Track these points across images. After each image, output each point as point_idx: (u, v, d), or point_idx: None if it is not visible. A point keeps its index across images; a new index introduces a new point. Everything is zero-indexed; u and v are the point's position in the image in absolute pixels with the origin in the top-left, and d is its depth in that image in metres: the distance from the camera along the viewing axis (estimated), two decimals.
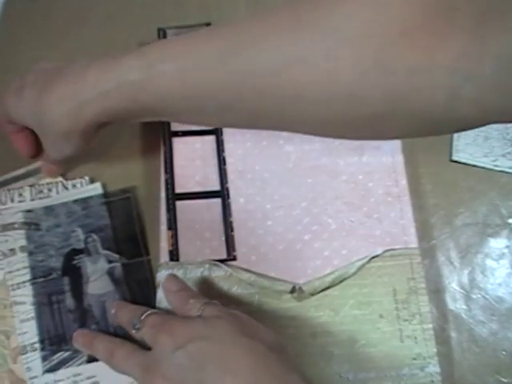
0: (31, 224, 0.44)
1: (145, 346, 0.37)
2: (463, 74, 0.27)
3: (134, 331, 0.38)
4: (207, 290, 0.43)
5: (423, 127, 0.32)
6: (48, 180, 0.47)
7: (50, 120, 0.39)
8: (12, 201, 0.45)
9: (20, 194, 0.46)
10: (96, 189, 0.46)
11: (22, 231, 0.44)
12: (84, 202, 0.46)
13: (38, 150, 0.47)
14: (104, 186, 0.47)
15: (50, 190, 0.46)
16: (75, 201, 0.46)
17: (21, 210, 0.45)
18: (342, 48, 0.29)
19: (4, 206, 0.45)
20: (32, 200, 0.46)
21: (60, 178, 0.47)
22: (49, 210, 0.45)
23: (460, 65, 0.27)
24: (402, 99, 0.29)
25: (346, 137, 0.37)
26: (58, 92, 0.38)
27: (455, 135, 0.50)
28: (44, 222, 0.45)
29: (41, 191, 0.46)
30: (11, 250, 0.44)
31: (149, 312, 0.38)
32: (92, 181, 0.47)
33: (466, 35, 0.27)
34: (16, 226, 0.44)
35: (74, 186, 0.46)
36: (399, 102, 0.30)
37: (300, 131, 0.36)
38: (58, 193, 0.46)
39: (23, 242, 0.44)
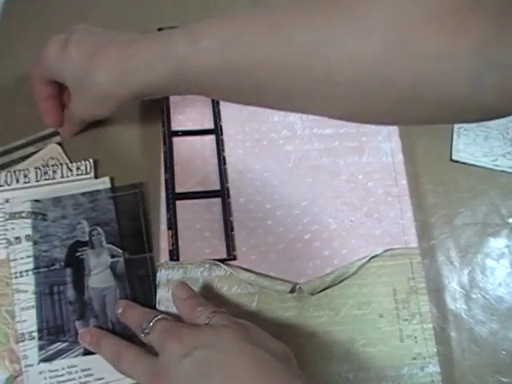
0: (38, 214, 0.45)
1: (149, 348, 0.38)
2: (487, 60, 0.28)
3: (142, 335, 0.38)
4: (207, 289, 0.43)
5: (447, 113, 0.32)
6: (51, 159, 0.48)
7: (95, 82, 0.40)
8: (17, 182, 0.46)
9: (25, 176, 0.46)
10: (104, 183, 0.47)
11: (29, 220, 0.44)
12: (92, 195, 0.46)
13: (62, 118, 0.48)
14: (112, 181, 0.47)
15: (54, 171, 0.47)
16: (83, 193, 0.46)
17: (29, 200, 0.45)
18: (371, 34, 0.31)
19: (10, 187, 0.46)
20: (37, 181, 0.46)
21: (65, 159, 0.48)
22: (57, 200, 0.45)
23: (484, 51, 0.28)
24: (426, 83, 0.30)
25: (371, 121, 0.38)
26: (107, 56, 0.40)
27: (455, 135, 0.50)
28: (51, 212, 0.45)
29: (46, 173, 0.46)
30: (17, 238, 0.44)
31: (159, 317, 0.38)
32: (96, 164, 0.48)
33: (491, 22, 0.28)
34: (23, 214, 0.45)
35: (78, 168, 0.47)
36: (424, 86, 0.30)
37: (327, 114, 0.37)
38: (62, 176, 0.47)
39: (29, 231, 0.44)
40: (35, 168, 0.47)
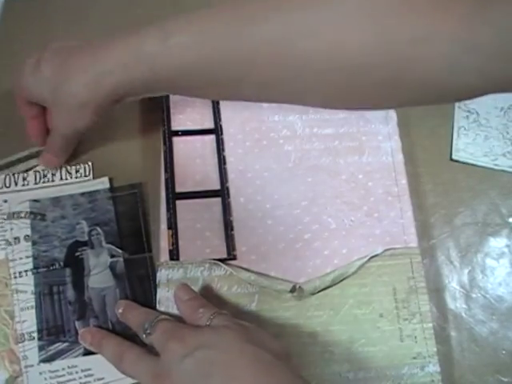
0: (37, 214, 0.45)
1: (150, 349, 0.38)
2: (463, 42, 0.28)
3: (144, 335, 0.38)
4: (207, 289, 0.43)
5: (427, 95, 0.33)
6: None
7: (68, 90, 0.40)
8: (16, 184, 0.46)
9: (24, 178, 0.46)
10: (103, 183, 0.47)
11: (28, 221, 0.44)
12: (91, 195, 0.46)
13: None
14: (111, 181, 0.47)
15: (53, 174, 0.47)
16: (82, 194, 0.46)
17: (28, 199, 0.45)
18: (347, 20, 0.31)
19: (8, 189, 0.46)
20: (36, 184, 0.46)
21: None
22: (55, 201, 0.45)
23: (460, 34, 0.28)
24: (404, 67, 0.30)
25: (352, 107, 0.38)
26: (77, 63, 0.39)
27: (455, 134, 0.50)
28: (50, 212, 0.45)
29: (45, 175, 0.46)
30: (16, 238, 0.44)
31: (160, 318, 0.38)
32: (95, 165, 0.47)
33: (467, 4, 0.28)
34: (22, 215, 0.45)
35: (77, 171, 0.47)
36: (402, 70, 0.31)
37: (308, 103, 0.38)
38: (61, 178, 0.47)
39: (28, 232, 0.44)
40: (34, 171, 0.47)
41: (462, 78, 0.30)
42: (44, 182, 0.46)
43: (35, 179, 0.46)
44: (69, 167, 0.47)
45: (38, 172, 0.47)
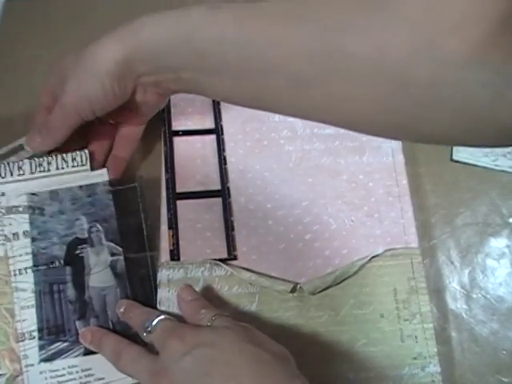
0: (35, 208, 0.44)
1: (150, 348, 0.38)
2: (510, 75, 0.27)
3: (144, 334, 0.38)
4: (208, 289, 0.43)
5: (465, 124, 0.31)
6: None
7: (94, 47, 0.38)
8: (11, 174, 0.45)
9: (19, 168, 0.45)
10: (102, 175, 0.45)
11: (26, 215, 0.44)
12: (89, 188, 0.45)
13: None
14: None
15: (49, 163, 0.45)
16: (80, 187, 0.45)
17: (25, 193, 0.44)
18: (399, 24, 0.29)
19: (4, 180, 0.44)
20: (32, 173, 0.45)
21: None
22: (53, 194, 0.44)
23: (508, 66, 0.27)
24: (447, 89, 0.29)
25: (381, 131, 0.35)
26: (111, 32, 0.38)
27: None
28: (48, 206, 0.44)
29: (40, 164, 0.45)
30: (14, 234, 0.43)
31: (162, 317, 0.38)
32: (91, 156, 0.46)
33: None
34: (20, 209, 0.44)
35: (73, 159, 0.45)
36: (444, 92, 0.29)
37: (337, 119, 0.35)
38: (57, 168, 0.45)
39: (27, 227, 0.43)
40: (29, 159, 0.45)
41: (502, 112, 0.29)
42: (40, 172, 0.45)
43: (31, 168, 0.45)
44: (65, 155, 0.45)
45: (34, 160, 0.45)
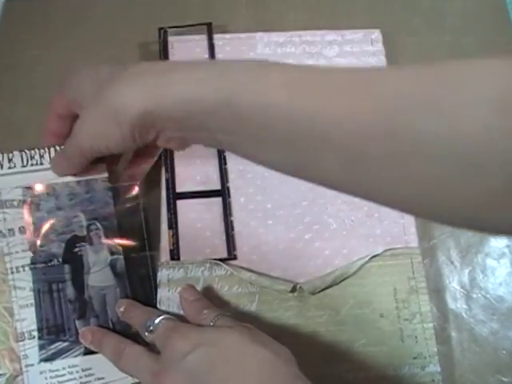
0: (31, 203, 0.42)
1: (151, 348, 0.38)
2: None
3: (146, 333, 0.38)
4: (208, 289, 0.43)
5: None
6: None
7: (113, 89, 0.34)
8: (1, 167, 0.42)
9: (10, 160, 0.42)
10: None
11: (21, 210, 0.42)
12: (88, 183, 0.43)
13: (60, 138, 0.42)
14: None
15: (42, 156, 0.42)
16: (78, 182, 0.43)
17: (20, 186, 0.42)
18: (478, 103, 0.26)
19: None
20: (23, 167, 0.42)
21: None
22: (49, 188, 0.42)
23: None
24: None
25: (452, 220, 0.30)
26: (137, 68, 0.35)
27: None
28: (44, 202, 0.42)
29: (32, 157, 0.42)
30: (10, 230, 0.42)
31: (163, 316, 0.38)
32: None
33: None
34: (15, 203, 0.42)
35: None
36: None
37: (397, 202, 0.32)
38: (51, 161, 0.42)
39: (22, 223, 0.42)
40: (20, 151, 0.42)
41: None
42: (32, 165, 0.42)
43: (22, 161, 0.42)
44: (58, 147, 0.42)
45: (24, 152, 0.42)
